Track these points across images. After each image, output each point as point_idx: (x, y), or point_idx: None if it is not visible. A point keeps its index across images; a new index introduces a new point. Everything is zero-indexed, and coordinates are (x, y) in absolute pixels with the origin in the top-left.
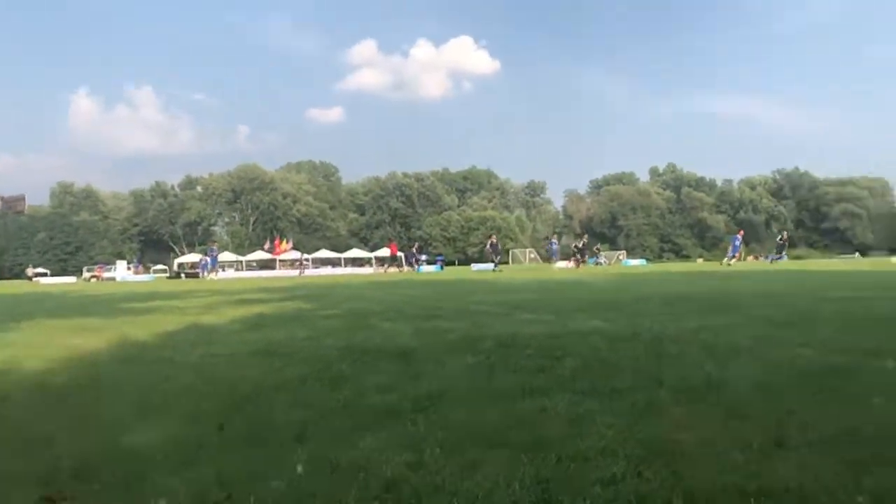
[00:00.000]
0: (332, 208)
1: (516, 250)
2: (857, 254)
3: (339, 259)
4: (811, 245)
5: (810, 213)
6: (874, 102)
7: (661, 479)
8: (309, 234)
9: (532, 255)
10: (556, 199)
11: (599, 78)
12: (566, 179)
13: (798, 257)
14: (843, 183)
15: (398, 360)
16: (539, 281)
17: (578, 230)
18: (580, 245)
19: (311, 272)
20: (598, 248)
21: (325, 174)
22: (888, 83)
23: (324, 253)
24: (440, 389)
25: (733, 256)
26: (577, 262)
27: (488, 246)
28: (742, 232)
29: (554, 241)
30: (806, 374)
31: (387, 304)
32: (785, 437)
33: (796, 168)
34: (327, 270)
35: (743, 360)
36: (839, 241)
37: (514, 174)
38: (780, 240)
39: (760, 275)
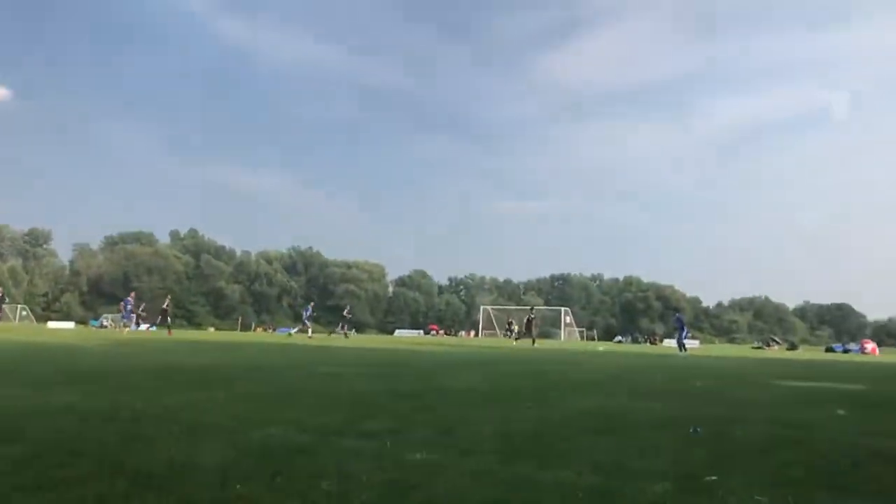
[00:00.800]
0: None
1: (6, 307)
2: (353, 331)
3: None
4: (315, 321)
5: (318, 290)
6: (375, 194)
7: None
8: None
9: (24, 313)
10: (64, 253)
11: (121, 133)
12: (77, 232)
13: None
14: (348, 265)
15: None
16: (27, 344)
17: (86, 288)
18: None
19: None
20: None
21: None
22: (390, 181)
23: None
24: None
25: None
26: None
27: None
28: (313, 304)
29: (129, 299)
30: (270, 455)
31: None
32: None
33: (310, 248)
34: None
35: (215, 441)
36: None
37: (12, 219)
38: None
39: (278, 347)
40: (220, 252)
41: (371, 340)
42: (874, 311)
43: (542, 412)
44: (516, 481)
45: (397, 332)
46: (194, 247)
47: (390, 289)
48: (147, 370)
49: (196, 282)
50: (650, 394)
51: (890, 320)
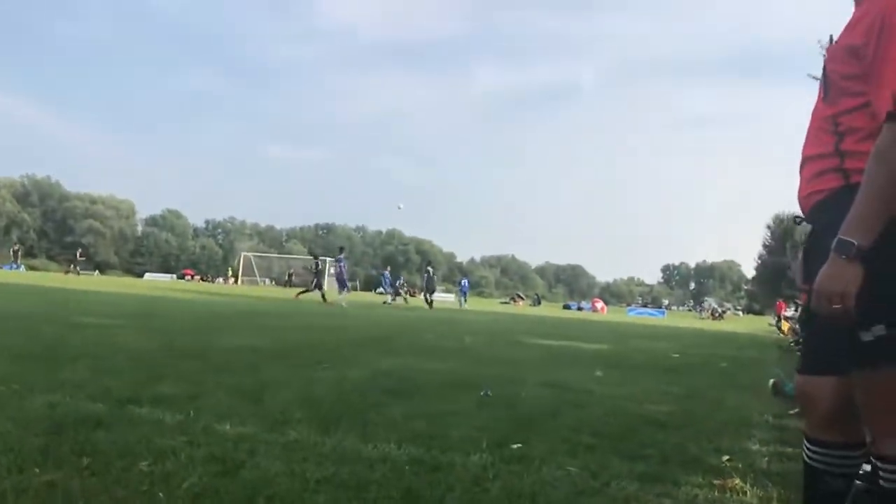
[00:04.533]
0: None
1: None
2: (96, 271)
3: None
4: (52, 258)
5: (56, 225)
6: (129, 123)
7: None
8: None
9: None
10: None
11: None
12: None
13: (34, 268)
14: (92, 200)
15: None
16: None
17: None
18: None
19: None
20: None
21: None
22: (149, 112)
23: None
24: None
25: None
26: None
27: None
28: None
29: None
30: (64, 429)
31: None
32: None
33: (48, 177)
34: None
35: None
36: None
37: None
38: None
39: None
40: None
41: (125, 284)
42: (601, 273)
43: (339, 373)
44: (343, 456)
45: (147, 275)
46: None
47: (139, 228)
48: None
49: None
50: (429, 352)
51: (614, 282)
